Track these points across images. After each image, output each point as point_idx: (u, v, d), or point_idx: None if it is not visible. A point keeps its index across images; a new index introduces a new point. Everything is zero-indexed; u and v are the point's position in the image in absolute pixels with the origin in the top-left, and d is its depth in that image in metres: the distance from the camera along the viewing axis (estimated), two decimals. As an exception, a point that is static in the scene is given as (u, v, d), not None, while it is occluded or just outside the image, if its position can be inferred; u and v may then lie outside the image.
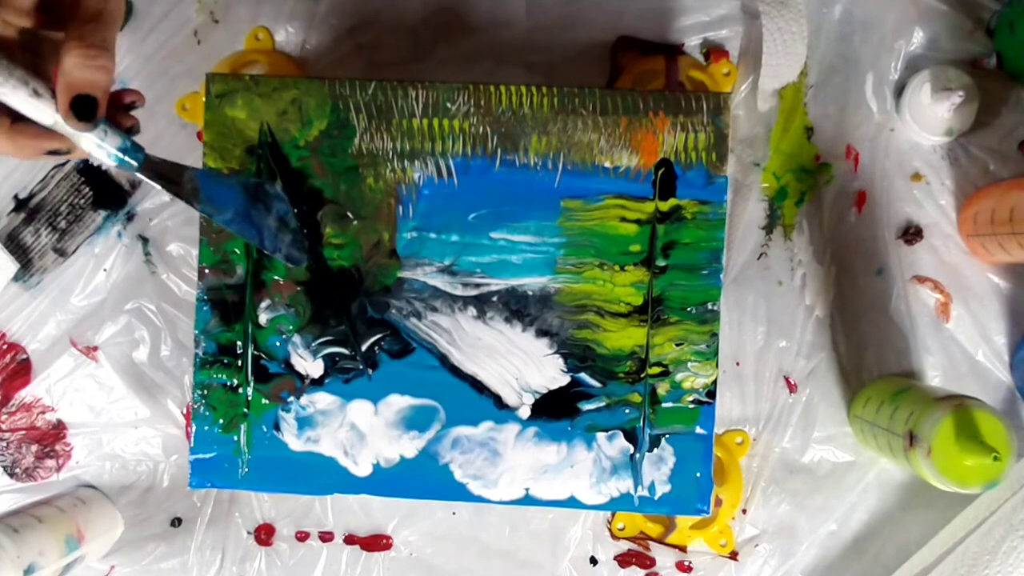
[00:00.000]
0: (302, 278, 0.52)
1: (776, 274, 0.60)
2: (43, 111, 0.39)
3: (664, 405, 0.52)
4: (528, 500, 0.52)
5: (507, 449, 0.52)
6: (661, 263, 0.52)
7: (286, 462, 0.52)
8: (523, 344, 0.52)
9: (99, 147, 0.41)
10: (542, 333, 0.52)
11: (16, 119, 0.39)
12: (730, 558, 0.59)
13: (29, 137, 0.40)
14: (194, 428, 0.53)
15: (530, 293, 0.52)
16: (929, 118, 0.58)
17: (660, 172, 0.51)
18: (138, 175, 0.43)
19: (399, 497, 0.54)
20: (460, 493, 0.52)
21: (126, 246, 0.61)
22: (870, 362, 0.59)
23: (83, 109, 0.38)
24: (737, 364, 0.59)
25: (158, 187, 0.44)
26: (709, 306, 0.52)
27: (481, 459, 0.52)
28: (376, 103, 0.52)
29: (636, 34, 0.60)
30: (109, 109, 0.42)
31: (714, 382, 0.52)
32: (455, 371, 0.52)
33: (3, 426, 0.62)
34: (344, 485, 0.52)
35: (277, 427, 0.52)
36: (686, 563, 0.59)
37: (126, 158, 0.42)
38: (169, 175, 0.44)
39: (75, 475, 0.61)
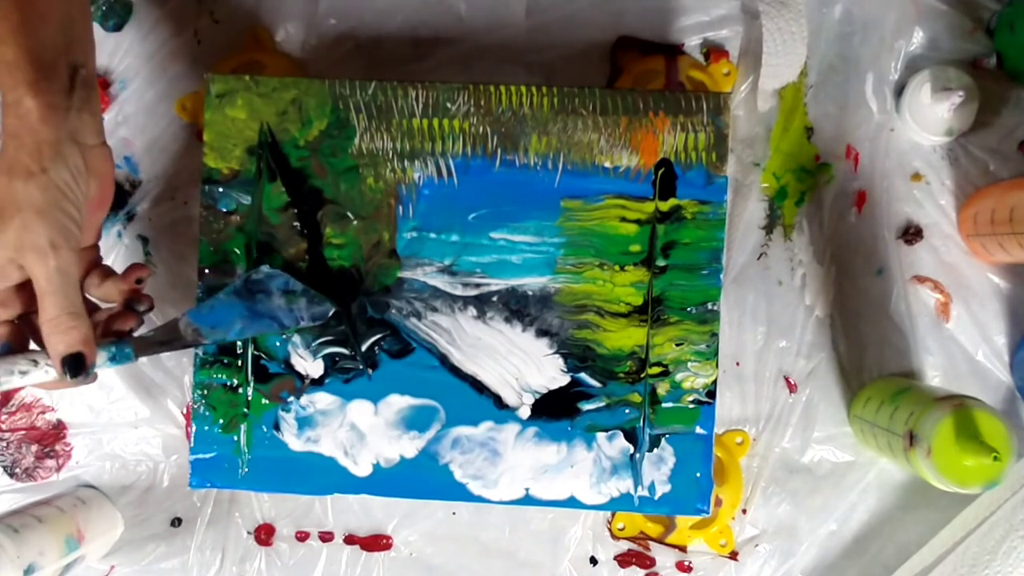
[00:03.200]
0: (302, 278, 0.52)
1: (776, 274, 0.60)
2: (44, 376, 0.46)
3: (664, 405, 0.52)
4: (528, 500, 0.52)
5: (507, 449, 0.52)
6: (661, 263, 0.52)
7: (286, 462, 0.52)
8: (523, 344, 0.52)
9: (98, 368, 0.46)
10: (542, 333, 0.52)
11: None
12: (730, 558, 0.59)
13: (56, 383, 0.47)
14: (194, 428, 0.53)
15: (530, 293, 0.52)
16: (929, 118, 0.58)
17: (660, 172, 0.52)
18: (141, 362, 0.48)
19: (399, 497, 0.54)
20: (460, 493, 0.52)
21: (126, 246, 0.61)
22: (870, 362, 0.59)
23: (74, 367, 0.44)
24: (737, 364, 0.59)
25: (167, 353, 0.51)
26: (709, 306, 0.52)
27: (481, 459, 0.52)
28: (376, 103, 0.52)
29: (636, 34, 0.60)
30: (116, 316, 0.48)
31: (714, 382, 0.52)
32: (455, 371, 0.52)
33: (3, 426, 0.62)
34: (344, 485, 0.52)
35: (277, 427, 0.52)
36: (686, 563, 0.59)
37: (120, 363, 0.47)
38: (167, 339, 0.48)
39: (75, 475, 0.61)
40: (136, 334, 0.49)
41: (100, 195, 0.47)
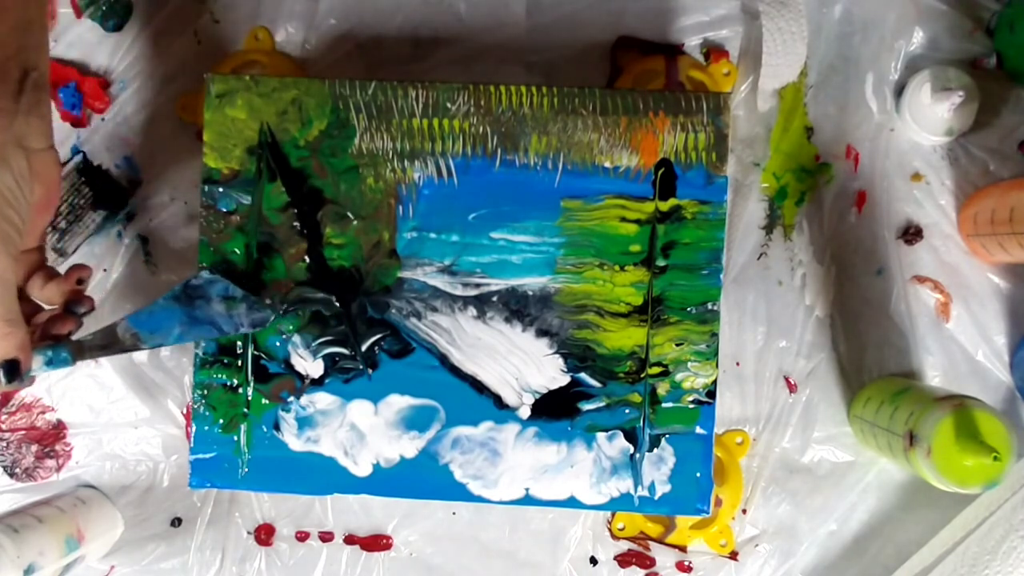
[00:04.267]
0: (303, 278, 0.52)
1: (776, 274, 0.60)
2: None
3: (664, 405, 0.52)
4: (528, 500, 0.52)
5: (507, 449, 0.52)
6: (661, 263, 0.52)
7: (286, 462, 0.52)
8: (523, 344, 0.52)
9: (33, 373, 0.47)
10: (542, 333, 0.52)
11: None
12: (730, 558, 0.59)
13: None
14: (194, 428, 0.53)
15: (530, 293, 0.52)
16: (929, 118, 0.58)
17: (660, 172, 0.51)
18: (81, 363, 0.48)
19: (399, 497, 0.54)
20: (460, 493, 0.52)
21: (126, 246, 0.61)
22: (870, 362, 0.59)
23: (8, 372, 0.44)
24: (737, 364, 0.59)
25: (102, 359, 0.50)
26: (709, 306, 0.52)
27: (481, 459, 0.52)
28: (376, 103, 0.52)
29: (636, 34, 0.60)
30: (54, 319, 0.48)
31: (714, 382, 0.52)
32: (455, 371, 0.52)
33: (3, 426, 0.62)
34: (344, 485, 0.52)
35: (277, 427, 0.52)
36: (686, 563, 0.59)
37: (57, 367, 0.47)
38: (105, 343, 0.48)
39: (75, 475, 0.61)
40: (75, 337, 0.49)
41: (45, 199, 0.48)
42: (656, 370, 0.52)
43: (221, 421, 0.52)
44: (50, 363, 0.47)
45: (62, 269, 0.61)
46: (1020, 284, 0.59)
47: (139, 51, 0.61)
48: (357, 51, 0.60)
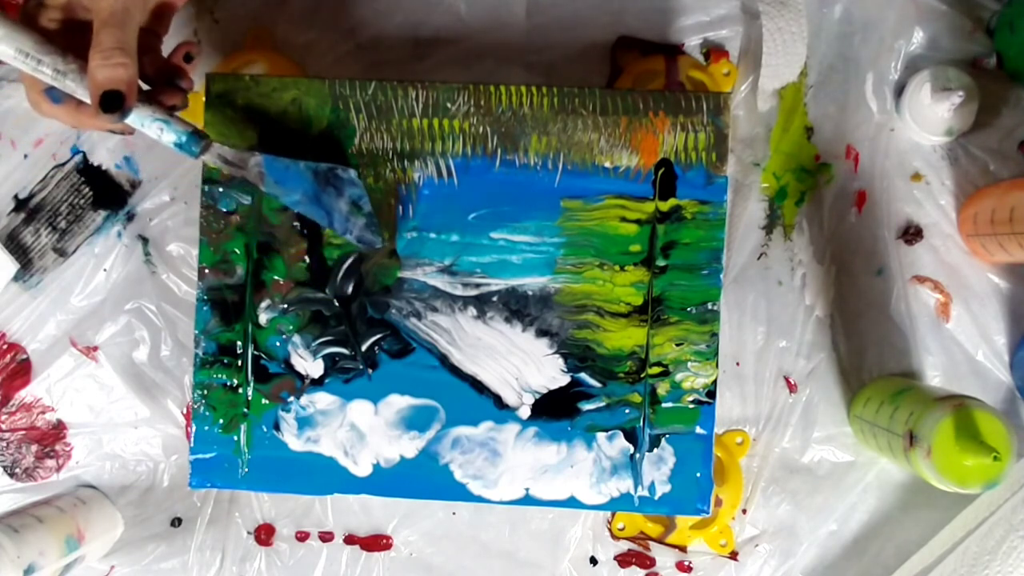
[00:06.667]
0: (303, 278, 0.52)
1: (776, 274, 0.60)
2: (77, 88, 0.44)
3: (664, 405, 0.52)
4: (528, 500, 0.52)
5: (507, 449, 0.52)
6: (661, 263, 0.52)
7: (286, 462, 0.52)
8: (523, 344, 0.52)
9: (159, 139, 0.46)
10: (542, 333, 0.52)
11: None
12: (730, 558, 0.59)
13: (89, 116, 0.46)
14: (194, 428, 0.53)
15: (530, 293, 0.52)
16: (929, 118, 0.58)
17: (660, 172, 0.51)
18: (204, 159, 0.47)
19: (399, 497, 0.54)
20: (460, 493, 0.52)
21: (126, 246, 0.61)
22: (870, 362, 0.59)
23: (110, 103, 0.43)
24: (737, 364, 0.59)
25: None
26: (709, 306, 0.52)
27: (481, 459, 0.52)
28: (376, 103, 0.52)
29: (636, 34, 0.60)
30: (158, 87, 0.47)
31: (714, 382, 0.52)
32: (455, 371, 0.52)
33: (3, 426, 0.62)
34: (344, 485, 0.52)
35: (277, 427, 0.52)
36: (686, 563, 0.59)
37: (184, 151, 0.46)
38: (235, 160, 0.48)
39: (75, 475, 0.61)
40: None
41: None
42: (656, 370, 0.52)
43: (221, 421, 0.52)
44: (180, 145, 0.46)
45: (63, 270, 0.61)
46: (1020, 284, 0.59)
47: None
48: (357, 51, 0.60)
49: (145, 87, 0.47)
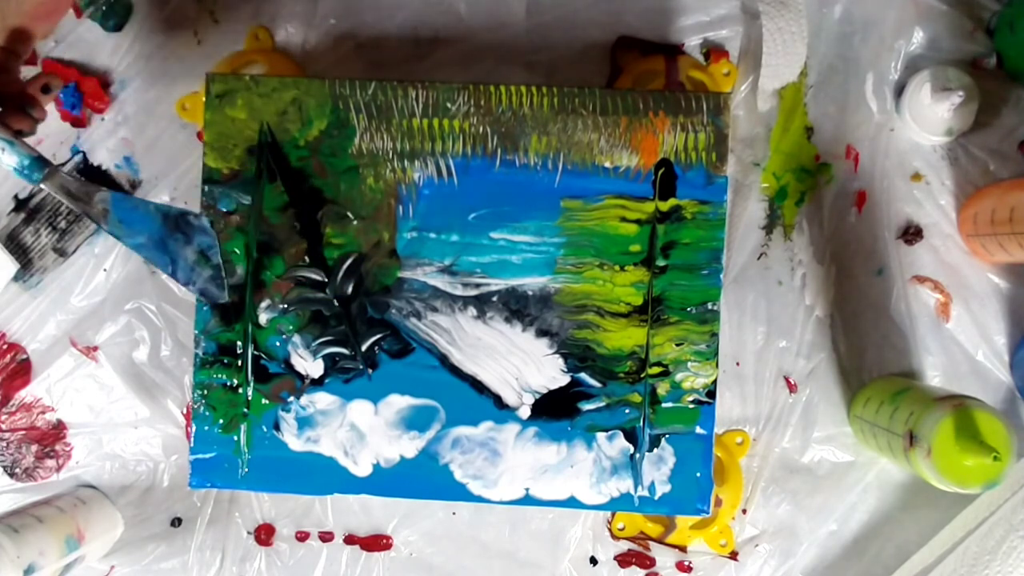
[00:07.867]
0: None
1: (776, 274, 0.60)
2: None
3: (664, 405, 0.52)
4: (528, 500, 0.52)
5: (507, 449, 0.52)
6: (661, 263, 0.52)
7: (286, 462, 0.52)
8: (523, 344, 0.52)
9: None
10: (542, 333, 0.52)
11: None
12: (730, 558, 0.59)
13: None
14: (194, 428, 0.53)
15: (530, 293, 0.52)
16: (929, 118, 0.58)
17: (660, 172, 0.51)
18: (44, 187, 0.46)
19: (399, 497, 0.54)
20: (460, 493, 0.52)
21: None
22: (870, 362, 0.59)
23: None
24: (737, 364, 0.59)
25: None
26: (709, 306, 0.52)
27: (481, 459, 0.52)
28: (376, 103, 0.52)
29: (636, 34, 0.60)
30: (9, 110, 0.47)
31: (714, 382, 0.52)
32: (455, 371, 0.52)
33: (3, 426, 0.62)
34: (344, 485, 0.52)
35: (277, 427, 0.52)
36: (686, 563, 0.59)
37: (22, 176, 0.45)
38: (78, 193, 0.47)
39: (75, 475, 0.61)
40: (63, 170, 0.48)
41: (51, 3, 0.48)
42: (656, 370, 0.52)
43: (221, 421, 0.52)
44: (21, 170, 0.45)
45: (63, 270, 0.61)
46: (1020, 284, 0.59)
47: (139, 51, 0.61)
48: (357, 51, 0.60)
49: None
